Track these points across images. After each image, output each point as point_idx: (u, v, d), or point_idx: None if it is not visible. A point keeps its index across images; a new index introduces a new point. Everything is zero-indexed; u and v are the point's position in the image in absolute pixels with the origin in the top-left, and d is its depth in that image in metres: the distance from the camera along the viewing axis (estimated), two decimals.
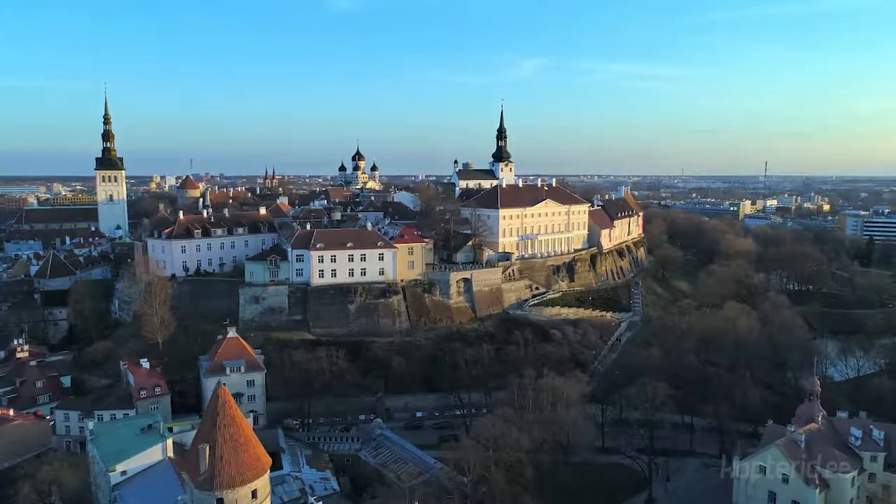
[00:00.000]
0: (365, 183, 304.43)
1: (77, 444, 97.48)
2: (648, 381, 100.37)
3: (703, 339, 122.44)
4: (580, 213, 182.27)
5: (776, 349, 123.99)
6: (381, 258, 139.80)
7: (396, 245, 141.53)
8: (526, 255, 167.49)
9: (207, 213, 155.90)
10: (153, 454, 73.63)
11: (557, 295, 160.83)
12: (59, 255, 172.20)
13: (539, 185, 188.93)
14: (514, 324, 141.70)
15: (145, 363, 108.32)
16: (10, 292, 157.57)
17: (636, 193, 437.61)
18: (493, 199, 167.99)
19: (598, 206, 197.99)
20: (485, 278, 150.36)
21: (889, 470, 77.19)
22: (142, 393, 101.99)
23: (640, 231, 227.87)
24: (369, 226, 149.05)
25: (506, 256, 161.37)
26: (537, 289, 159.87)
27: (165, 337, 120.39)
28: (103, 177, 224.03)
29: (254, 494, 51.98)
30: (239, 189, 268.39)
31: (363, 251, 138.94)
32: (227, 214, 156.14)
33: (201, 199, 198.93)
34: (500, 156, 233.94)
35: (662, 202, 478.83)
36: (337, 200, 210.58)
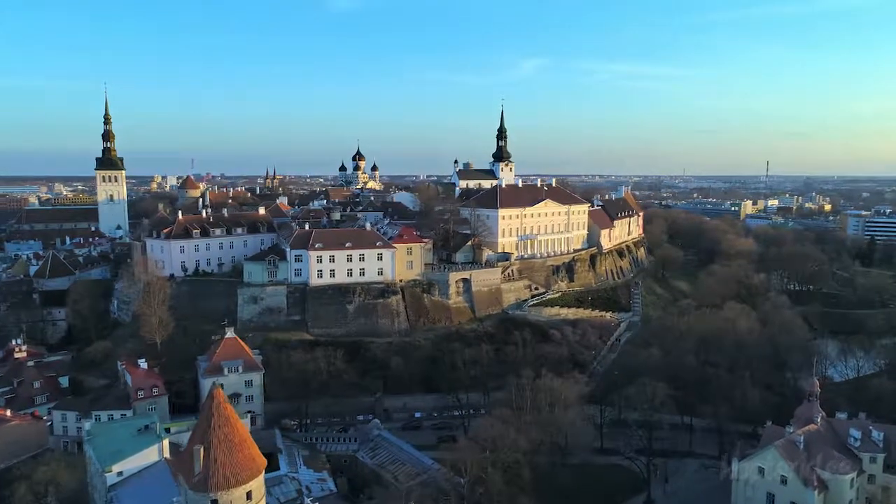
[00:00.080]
0: (365, 183, 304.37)
1: (75, 444, 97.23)
2: (648, 381, 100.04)
3: (702, 339, 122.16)
4: (580, 213, 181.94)
5: (776, 349, 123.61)
6: (380, 258, 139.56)
7: (395, 245, 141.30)
8: (525, 256, 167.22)
9: (206, 213, 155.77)
10: (150, 455, 73.35)
11: (557, 295, 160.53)
12: (59, 255, 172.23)
13: (539, 185, 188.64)
14: (513, 324, 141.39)
15: (143, 363, 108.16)
16: (10, 292, 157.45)
17: (637, 193, 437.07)
18: (493, 199, 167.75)
19: (597, 206, 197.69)
20: (484, 278, 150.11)
21: (888, 471, 76.84)
22: (139, 393, 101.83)
23: (641, 231, 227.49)
24: (368, 226, 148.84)
25: (505, 256, 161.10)
26: (537, 289, 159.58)
27: (164, 337, 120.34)
28: (103, 177, 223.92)
29: (248, 496, 51.85)
30: (239, 189, 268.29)
31: (362, 251, 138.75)
32: (226, 214, 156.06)
33: (201, 199, 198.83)
34: (501, 156, 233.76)
35: (663, 202, 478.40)
36: (337, 200, 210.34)
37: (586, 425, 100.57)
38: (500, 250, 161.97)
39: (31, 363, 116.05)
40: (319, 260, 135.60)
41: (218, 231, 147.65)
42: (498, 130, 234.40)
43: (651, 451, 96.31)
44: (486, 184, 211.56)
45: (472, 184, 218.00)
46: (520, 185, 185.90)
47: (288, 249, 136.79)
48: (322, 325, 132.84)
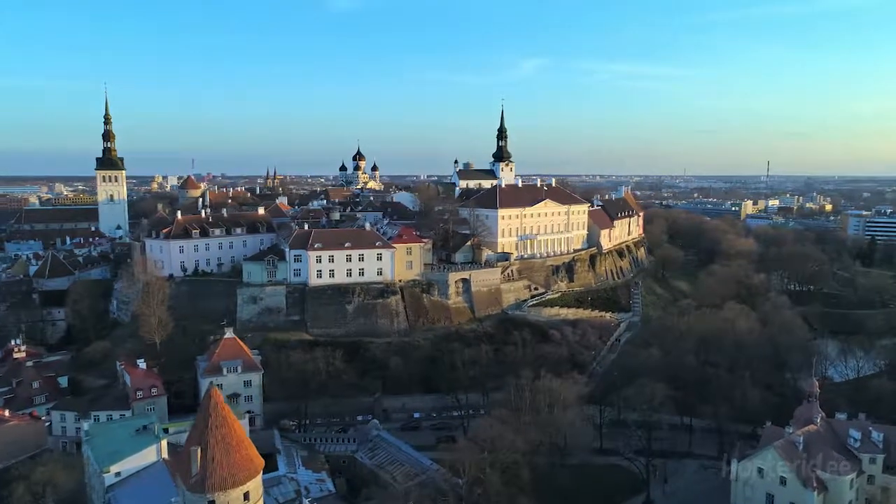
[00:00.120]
0: (365, 183, 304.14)
1: (73, 444, 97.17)
2: (647, 381, 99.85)
3: (702, 339, 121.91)
4: (579, 213, 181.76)
5: (776, 350, 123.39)
6: (380, 258, 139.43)
7: (395, 245, 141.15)
8: (525, 256, 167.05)
9: (206, 213, 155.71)
10: (148, 455, 73.15)
11: (556, 295, 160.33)
12: (59, 255, 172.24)
13: (538, 185, 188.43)
14: (512, 324, 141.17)
15: (142, 364, 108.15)
16: (9, 292, 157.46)
17: (638, 193, 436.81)
18: (492, 199, 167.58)
19: (597, 206, 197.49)
20: (483, 278, 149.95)
21: (888, 472, 76.54)
22: (138, 393, 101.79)
23: (641, 231, 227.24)
24: (367, 226, 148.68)
25: (505, 257, 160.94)
26: (536, 289, 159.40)
27: (163, 337, 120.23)
28: (104, 177, 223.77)
29: (246, 496, 51.68)
30: (239, 189, 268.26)
31: (361, 251, 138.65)
32: (225, 214, 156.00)
33: (200, 200, 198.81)
34: (501, 156, 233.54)
35: (664, 202, 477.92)
36: (336, 200, 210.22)
37: (585, 426, 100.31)
38: (499, 250, 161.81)
39: (29, 363, 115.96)
40: (319, 260, 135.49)
41: (217, 231, 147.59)
42: (498, 130, 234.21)
43: (650, 452, 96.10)
44: (487, 184, 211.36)
45: (472, 184, 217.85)
46: (519, 185, 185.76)
47: (287, 249, 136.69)
48: (321, 326, 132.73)
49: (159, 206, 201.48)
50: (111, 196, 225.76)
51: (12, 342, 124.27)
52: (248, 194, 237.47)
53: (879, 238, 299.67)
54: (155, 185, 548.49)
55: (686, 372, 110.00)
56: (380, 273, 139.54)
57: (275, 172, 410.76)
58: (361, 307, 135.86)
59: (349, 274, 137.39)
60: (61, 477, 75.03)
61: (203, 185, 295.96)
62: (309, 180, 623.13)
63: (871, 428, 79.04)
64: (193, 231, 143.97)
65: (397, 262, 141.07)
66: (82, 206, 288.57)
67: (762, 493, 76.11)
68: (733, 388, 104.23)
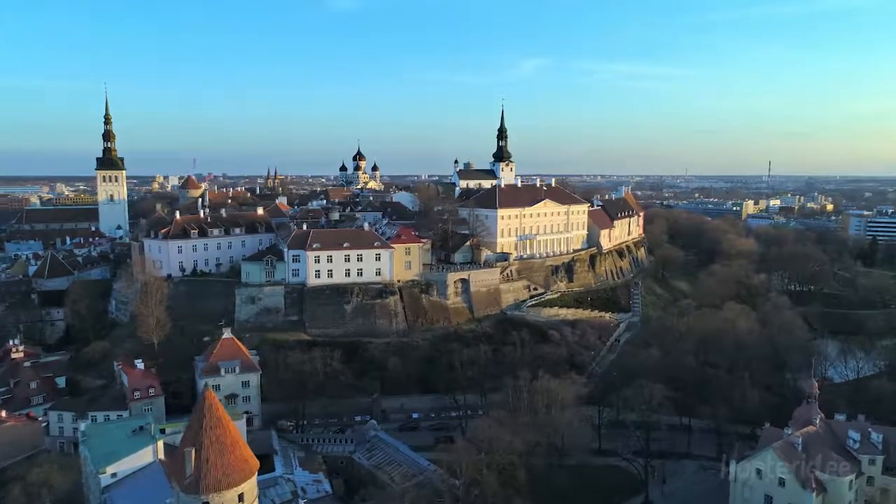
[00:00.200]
0: (366, 183, 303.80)
1: (71, 445, 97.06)
2: (646, 382, 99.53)
3: (702, 339, 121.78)
4: (579, 214, 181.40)
5: (776, 350, 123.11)
6: (378, 258, 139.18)
7: (393, 245, 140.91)
8: (524, 256, 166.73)
9: (204, 213, 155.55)
10: (144, 456, 72.92)
11: (556, 295, 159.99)
12: (58, 255, 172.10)
13: (538, 185, 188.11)
14: (511, 325, 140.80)
15: (140, 364, 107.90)
16: (8, 292, 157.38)
17: (639, 193, 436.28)
18: (492, 199, 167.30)
19: (597, 206, 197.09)
20: (482, 279, 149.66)
21: (888, 473, 76.17)
22: (135, 394, 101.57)
23: (641, 231, 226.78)
24: (366, 226, 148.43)
25: (504, 257, 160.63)
26: (535, 289, 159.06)
27: (161, 337, 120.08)
28: (104, 177, 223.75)
29: (240, 498, 51.37)
30: (239, 189, 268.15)
31: (360, 251, 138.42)
32: (224, 214, 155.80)
33: (200, 199, 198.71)
34: (501, 156, 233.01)
35: (665, 202, 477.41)
36: (336, 200, 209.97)
37: (584, 426, 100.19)
38: (498, 250, 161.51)
39: (27, 363, 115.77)
40: (317, 260, 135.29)
41: (216, 231, 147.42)
42: (498, 130, 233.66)
43: (649, 453, 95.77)
44: (487, 184, 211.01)
45: (472, 184, 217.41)
46: (519, 185, 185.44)
47: (286, 250, 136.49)
48: (320, 326, 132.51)
49: (158, 206, 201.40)
50: (111, 196, 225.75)
51: (10, 342, 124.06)
52: (248, 194, 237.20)
53: (881, 238, 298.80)
54: (156, 186, 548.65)
55: (685, 372, 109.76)
56: (378, 273, 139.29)
57: (275, 172, 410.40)
58: (360, 307, 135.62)
59: (348, 274, 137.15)
60: (57, 478, 74.88)
61: (204, 186, 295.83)
62: (310, 180, 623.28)
63: (870, 429, 78.68)
64: (192, 231, 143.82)
65: (396, 263, 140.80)
66: (83, 206, 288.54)
67: (761, 494, 75.74)
68: (733, 389, 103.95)
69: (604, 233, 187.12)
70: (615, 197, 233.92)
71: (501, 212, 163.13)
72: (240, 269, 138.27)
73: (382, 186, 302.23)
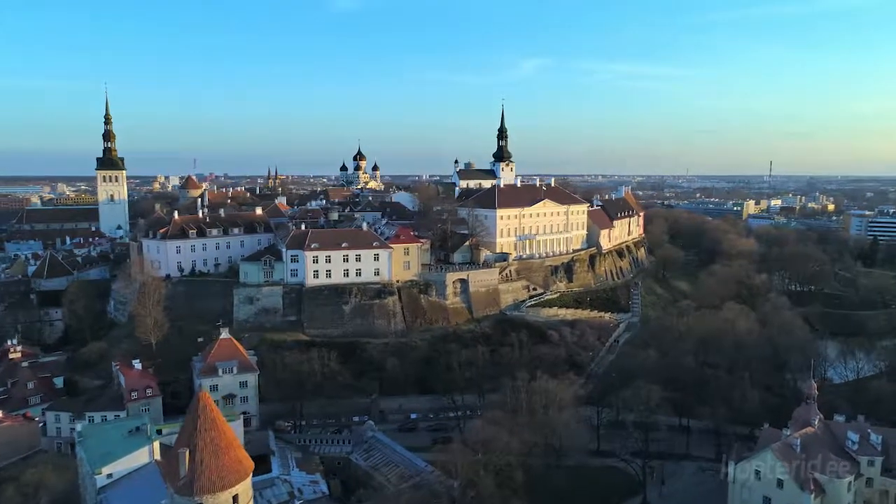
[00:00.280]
0: (366, 183, 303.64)
1: (68, 445, 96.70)
2: (644, 383, 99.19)
3: (701, 340, 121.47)
4: (579, 214, 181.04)
5: (776, 350, 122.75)
6: (377, 259, 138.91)
7: (392, 245, 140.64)
8: (524, 256, 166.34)
9: (203, 213, 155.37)
10: (140, 457, 72.71)
11: (555, 296, 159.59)
12: (58, 255, 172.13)
13: (538, 184, 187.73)
14: (510, 325, 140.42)
15: (137, 364, 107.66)
16: (7, 292, 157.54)
17: (640, 193, 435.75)
18: (491, 199, 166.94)
19: (597, 206, 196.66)
20: (481, 279, 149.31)
21: (887, 475, 75.78)
22: (133, 394, 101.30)
23: (641, 231, 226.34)
24: (365, 226, 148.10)
25: (503, 257, 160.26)
26: (535, 289, 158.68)
27: (159, 338, 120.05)
28: (104, 177, 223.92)
29: (235, 499, 51.21)
30: (238, 189, 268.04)
31: (358, 251, 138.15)
32: (222, 214, 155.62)
33: (199, 199, 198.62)
34: (501, 155, 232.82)
35: (666, 202, 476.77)
36: (336, 200, 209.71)
37: (582, 427, 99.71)
38: (498, 250, 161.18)
39: (25, 363, 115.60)
40: (315, 260, 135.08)
41: (214, 231, 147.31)
42: (498, 130, 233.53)
43: (647, 454, 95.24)
44: (487, 184, 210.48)
45: (472, 184, 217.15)
46: (519, 184, 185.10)
47: (284, 250, 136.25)
48: (318, 326, 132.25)
49: (157, 206, 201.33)
50: (111, 196, 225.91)
51: (8, 342, 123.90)
52: (248, 194, 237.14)
53: (882, 238, 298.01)
54: (157, 186, 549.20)
55: (684, 373, 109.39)
56: (377, 273, 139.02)
57: (276, 172, 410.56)
58: (358, 308, 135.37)
59: (346, 274, 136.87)
60: (52, 478, 74.60)
61: (204, 186, 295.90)
62: (311, 180, 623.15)
63: (869, 430, 78.26)
64: (190, 231, 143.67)
65: (395, 263, 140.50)
66: (83, 206, 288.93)
67: (759, 495, 75.37)
68: (732, 390, 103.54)
69: (603, 233, 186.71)
70: (615, 197, 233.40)
71: (500, 212, 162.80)
72: (238, 269, 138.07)
73: (383, 186, 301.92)
